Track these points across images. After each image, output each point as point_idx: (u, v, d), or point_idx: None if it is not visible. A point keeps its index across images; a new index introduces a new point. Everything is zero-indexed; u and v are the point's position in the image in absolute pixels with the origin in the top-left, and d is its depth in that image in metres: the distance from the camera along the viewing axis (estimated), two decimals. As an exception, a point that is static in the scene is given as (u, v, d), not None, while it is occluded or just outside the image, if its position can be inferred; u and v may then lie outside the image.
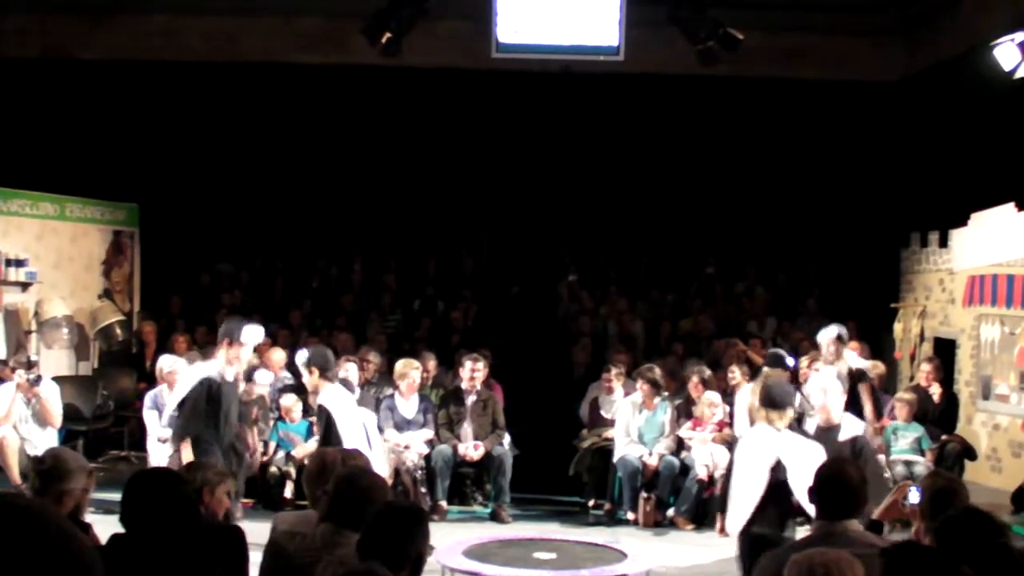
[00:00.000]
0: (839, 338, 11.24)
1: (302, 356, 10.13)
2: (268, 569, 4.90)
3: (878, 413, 11.61)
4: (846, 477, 5.16)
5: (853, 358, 11.31)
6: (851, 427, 8.93)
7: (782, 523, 7.99)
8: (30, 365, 11.63)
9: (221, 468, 6.15)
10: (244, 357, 10.14)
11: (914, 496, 6.03)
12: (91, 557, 3.33)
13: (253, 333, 10.03)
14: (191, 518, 4.36)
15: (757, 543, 7.65)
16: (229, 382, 9.98)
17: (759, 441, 8.29)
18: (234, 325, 10.10)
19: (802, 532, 8.06)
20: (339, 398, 9.89)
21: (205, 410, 9.77)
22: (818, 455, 8.25)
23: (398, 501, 5.40)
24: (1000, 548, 4.72)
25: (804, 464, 8.09)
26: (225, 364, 9.88)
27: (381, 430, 11.41)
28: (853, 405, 10.56)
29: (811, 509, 7.96)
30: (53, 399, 11.63)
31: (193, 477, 5.70)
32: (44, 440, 11.16)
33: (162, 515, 4.29)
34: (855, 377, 11.01)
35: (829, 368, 10.54)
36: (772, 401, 8.35)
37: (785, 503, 8.03)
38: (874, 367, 12.72)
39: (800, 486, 8.04)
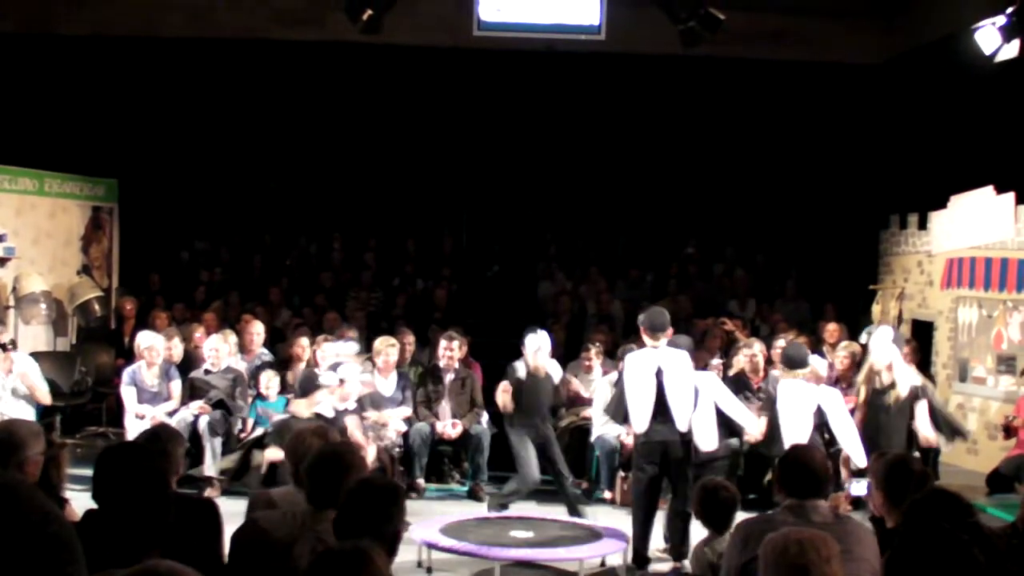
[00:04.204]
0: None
1: None
2: (244, 545, 4.88)
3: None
4: (810, 460, 5.31)
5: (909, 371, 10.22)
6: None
7: None
8: None
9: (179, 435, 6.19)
10: None
11: (857, 488, 6.14)
12: (71, 535, 3.34)
13: None
14: (163, 492, 4.35)
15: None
16: None
17: (798, 392, 9.46)
18: None
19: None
20: None
21: None
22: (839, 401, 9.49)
23: (375, 478, 5.36)
24: (971, 527, 4.76)
25: (839, 411, 9.36)
26: None
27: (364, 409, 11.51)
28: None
29: (857, 454, 8.72)
30: (34, 375, 11.60)
31: (169, 450, 5.69)
32: (22, 416, 11.11)
33: (134, 489, 4.28)
34: (913, 396, 9.72)
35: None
36: (792, 361, 9.65)
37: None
38: (847, 347, 12.78)
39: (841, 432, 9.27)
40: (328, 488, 4.87)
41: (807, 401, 9.45)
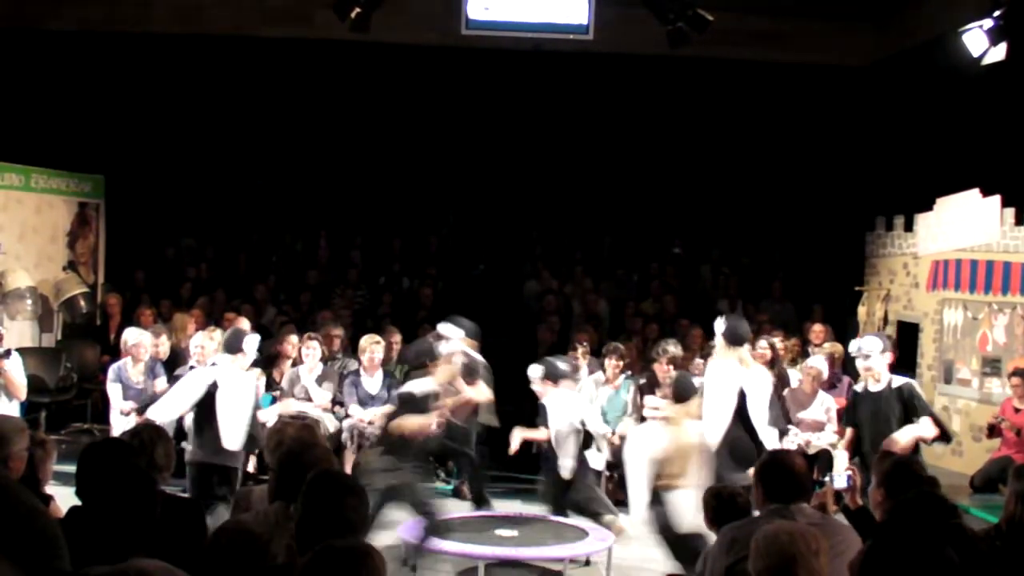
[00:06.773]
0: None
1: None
2: (224, 540, 4.86)
3: None
4: (791, 465, 5.31)
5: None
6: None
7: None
8: None
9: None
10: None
11: (839, 480, 6.15)
12: (55, 531, 3.34)
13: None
14: (147, 489, 4.35)
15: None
16: None
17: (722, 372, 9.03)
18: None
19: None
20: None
21: None
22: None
23: (331, 469, 5.29)
24: (954, 528, 4.78)
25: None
26: None
27: (343, 404, 11.53)
28: None
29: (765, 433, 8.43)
30: (16, 371, 11.54)
31: (155, 448, 5.67)
32: (7, 412, 11.06)
33: (116, 486, 4.28)
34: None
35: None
36: (736, 338, 9.18)
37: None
38: (832, 347, 12.84)
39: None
40: (293, 485, 4.86)
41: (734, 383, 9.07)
